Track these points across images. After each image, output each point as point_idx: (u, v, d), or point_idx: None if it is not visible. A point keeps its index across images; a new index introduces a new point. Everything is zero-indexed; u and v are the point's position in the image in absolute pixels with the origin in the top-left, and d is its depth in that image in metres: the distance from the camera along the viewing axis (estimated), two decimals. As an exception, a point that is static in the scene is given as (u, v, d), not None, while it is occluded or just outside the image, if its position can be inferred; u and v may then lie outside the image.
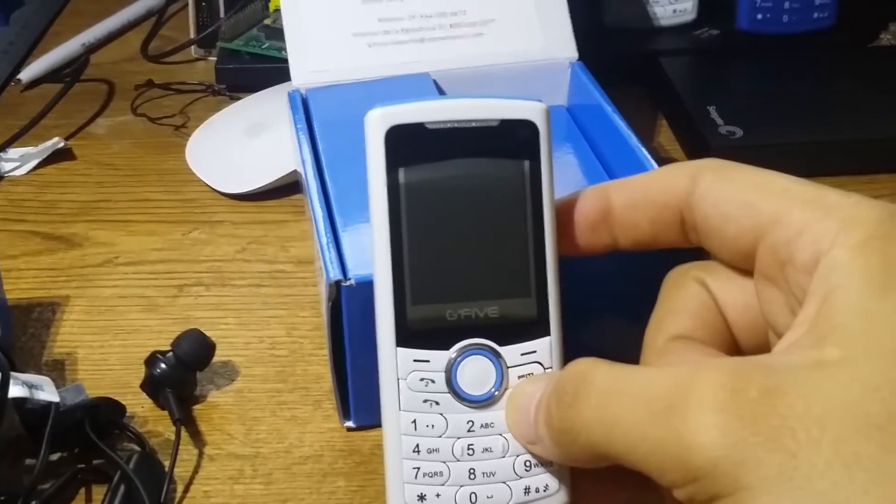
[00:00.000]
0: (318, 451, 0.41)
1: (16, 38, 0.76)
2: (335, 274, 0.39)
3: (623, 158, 0.46)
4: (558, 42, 0.54)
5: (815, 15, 0.69)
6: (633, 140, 0.46)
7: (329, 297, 0.39)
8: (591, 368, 0.27)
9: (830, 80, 0.65)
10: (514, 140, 0.33)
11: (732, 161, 0.30)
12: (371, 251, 0.33)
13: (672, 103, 0.64)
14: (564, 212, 0.33)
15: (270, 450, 0.41)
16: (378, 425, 0.41)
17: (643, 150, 0.45)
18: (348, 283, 0.39)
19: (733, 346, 0.31)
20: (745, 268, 0.30)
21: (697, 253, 0.31)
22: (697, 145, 0.59)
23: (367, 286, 0.38)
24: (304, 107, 0.51)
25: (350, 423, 0.42)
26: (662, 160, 0.43)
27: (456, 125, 0.33)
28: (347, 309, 0.39)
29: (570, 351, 0.33)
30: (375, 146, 0.32)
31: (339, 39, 0.53)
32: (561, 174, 0.47)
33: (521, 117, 0.33)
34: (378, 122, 0.32)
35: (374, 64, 0.52)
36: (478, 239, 0.33)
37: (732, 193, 0.29)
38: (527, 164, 0.33)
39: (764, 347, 0.29)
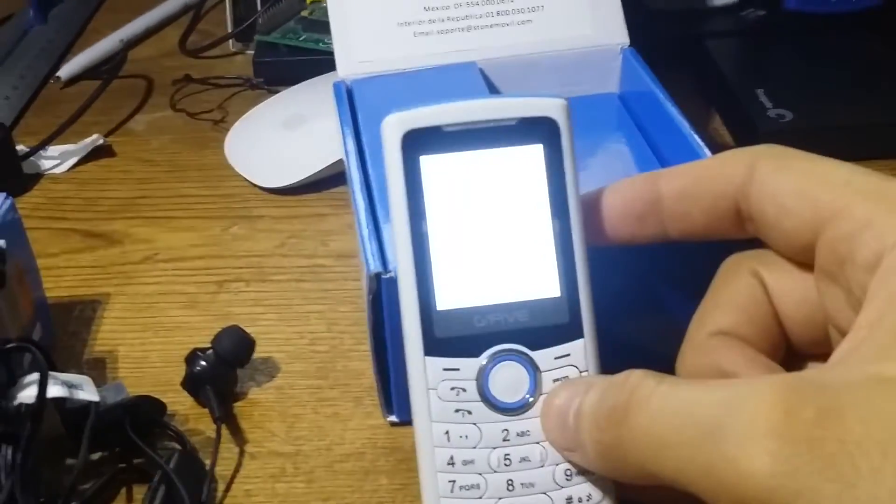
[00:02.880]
0: (359, 449, 0.40)
1: (54, 35, 0.76)
2: (375, 266, 0.38)
3: (676, 147, 0.45)
4: (609, 28, 0.52)
5: (865, -7, 0.67)
6: (686, 128, 0.44)
7: (370, 290, 0.38)
8: (642, 382, 0.26)
9: (882, 59, 0.63)
10: (534, 138, 0.32)
11: (789, 147, 0.29)
12: (394, 258, 0.32)
13: (719, 87, 0.62)
14: (611, 200, 0.32)
15: (312, 447, 0.41)
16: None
17: (696, 137, 0.44)
18: (388, 275, 0.38)
19: (780, 343, 0.29)
20: (804, 261, 0.28)
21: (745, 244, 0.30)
22: (746, 129, 0.58)
23: None
24: (349, 98, 0.50)
25: (393, 418, 0.42)
26: (714, 147, 0.41)
27: (473, 126, 0.31)
28: (387, 302, 0.38)
29: (605, 348, 0.32)
30: (393, 152, 0.31)
31: (384, 29, 0.52)
32: (612, 163, 0.46)
33: (539, 115, 0.32)
34: (394, 127, 0.31)
35: (420, 53, 0.51)
36: (502, 241, 0.32)
37: (791, 184, 0.27)
38: (548, 161, 0.32)
39: (820, 343, 0.28)
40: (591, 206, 0.32)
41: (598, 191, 0.33)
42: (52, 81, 0.70)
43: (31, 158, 0.60)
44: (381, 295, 0.38)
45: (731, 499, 0.23)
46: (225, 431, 0.41)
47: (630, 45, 0.52)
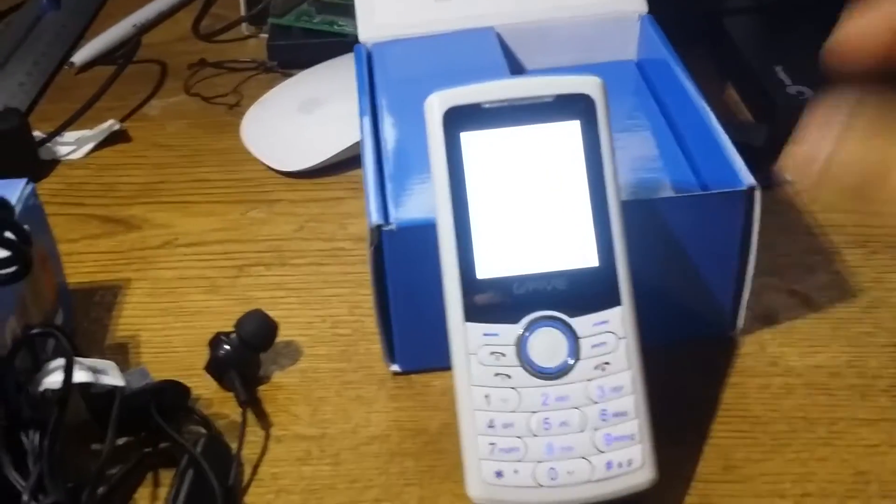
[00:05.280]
0: (385, 431, 0.40)
1: (68, 21, 0.76)
2: (377, 219, 0.39)
3: (687, 116, 0.45)
4: None
5: (885, -34, 0.66)
6: (695, 94, 0.44)
7: (371, 242, 0.39)
8: None
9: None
10: (571, 114, 0.33)
11: None
12: (437, 229, 0.33)
13: (737, 64, 0.62)
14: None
15: (337, 430, 0.41)
16: (425, 370, 0.42)
17: (707, 108, 0.44)
18: (389, 227, 0.38)
19: None
20: None
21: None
22: (764, 107, 0.57)
23: (407, 232, 0.38)
24: (368, 61, 0.51)
25: (396, 367, 0.42)
26: (729, 123, 0.41)
27: (512, 104, 0.32)
28: (389, 254, 0.39)
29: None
30: (435, 128, 0.33)
31: None
32: (627, 130, 0.46)
33: (576, 91, 0.33)
34: (436, 105, 0.33)
35: (441, 18, 0.52)
36: (540, 212, 0.33)
37: None
38: (585, 135, 0.33)
39: None
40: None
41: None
42: (66, 67, 0.70)
43: (48, 144, 0.60)
44: (383, 247, 0.39)
45: None
46: (250, 415, 0.41)
47: (649, 13, 0.52)
